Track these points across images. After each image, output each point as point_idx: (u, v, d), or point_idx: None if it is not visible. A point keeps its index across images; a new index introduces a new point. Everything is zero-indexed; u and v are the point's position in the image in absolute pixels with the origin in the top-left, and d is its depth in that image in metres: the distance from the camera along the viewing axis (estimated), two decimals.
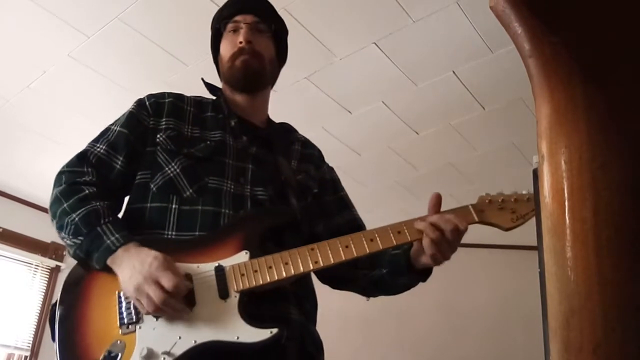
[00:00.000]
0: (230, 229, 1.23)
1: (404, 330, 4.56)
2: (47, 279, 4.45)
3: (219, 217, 1.24)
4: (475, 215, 1.27)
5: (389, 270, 1.32)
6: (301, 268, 1.17)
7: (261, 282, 1.15)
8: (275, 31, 1.46)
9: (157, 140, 1.32)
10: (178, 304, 1.10)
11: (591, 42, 0.61)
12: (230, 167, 1.31)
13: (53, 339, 1.14)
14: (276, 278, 1.16)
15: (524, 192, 1.31)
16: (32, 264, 4.38)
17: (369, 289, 1.41)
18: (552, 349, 0.59)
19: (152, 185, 1.28)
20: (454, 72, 2.87)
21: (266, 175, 1.34)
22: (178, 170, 1.28)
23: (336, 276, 1.40)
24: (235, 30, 1.43)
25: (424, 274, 1.29)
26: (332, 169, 1.55)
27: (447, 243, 1.20)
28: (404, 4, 2.44)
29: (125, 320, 1.12)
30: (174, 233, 1.23)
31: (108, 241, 1.16)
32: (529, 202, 1.29)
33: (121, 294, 1.15)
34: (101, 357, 1.09)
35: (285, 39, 1.53)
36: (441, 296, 4.43)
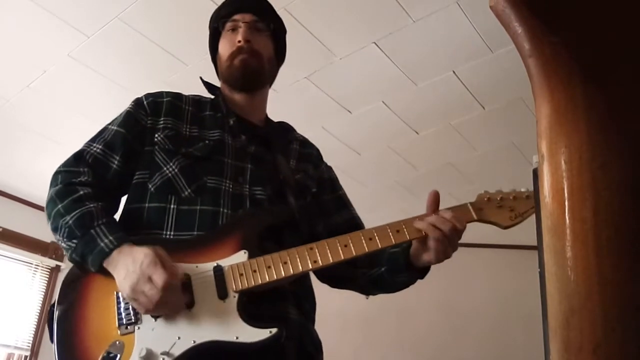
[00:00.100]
0: (228, 228, 1.23)
1: (403, 330, 4.56)
2: (47, 279, 4.45)
3: (218, 217, 1.24)
4: (474, 214, 1.27)
5: (387, 269, 1.32)
6: (300, 267, 1.17)
7: (260, 282, 1.15)
8: (273, 30, 1.46)
9: (155, 139, 1.32)
10: (174, 299, 1.09)
11: (591, 42, 0.61)
12: (229, 167, 1.31)
13: (52, 340, 1.13)
14: (275, 278, 1.16)
15: (522, 189, 1.31)
16: (32, 264, 4.39)
17: (368, 288, 1.41)
18: (552, 348, 0.59)
19: (150, 185, 1.28)
20: (454, 72, 2.87)
21: (265, 175, 1.34)
22: (176, 170, 1.28)
23: (335, 275, 1.40)
24: (234, 29, 1.42)
25: (423, 271, 1.30)
26: (330, 168, 1.55)
27: (448, 242, 1.20)
28: (404, 4, 2.44)
29: (124, 321, 1.12)
30: (172, 233, 1.22)
31: (102, 244, 1.15)
32: (527, 200, 1.29)
33: (119, 295, 1.14)
34: (100, 357, 1.08)
35: (283, 38, 1.53)
36: (441, 296, 4.43)
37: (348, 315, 4.46)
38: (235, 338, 1.09)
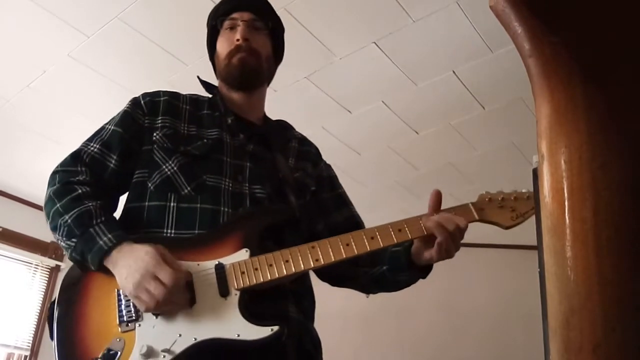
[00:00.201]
0: (229, 227, 1.23)
1: (404, 330, 4.56)
2: (47, 279, 4.45)
3: (218, 215, 1.24)
4: (476, 214, 1.28)
5: (389, 267, 1.32)
6: (302, 266, 1.17)
7: (262, 280, 1.15)
8: (272, 28, 1.46)
9: (154, 138, 1.31)
10: (179, 296, 1.10)
11: (591, 42, 0.61)
12: (228, 165, 1.31)
13: (52, 338, 1.14)
14: (277, 276, 1.16)
15: (523, 190, 1.32)
16: (32, 264, 4.39)
17: (369, 286, 1.41)
18: (552, 348, 0.59)
19: (149, 184, 1.28)
20: (454, 71, 2.87)
21: (264, 173, 1.34)
22: (175, 168, 1.27)
23: (336, 274, 1.40)
24: (232, 28, 1.42)
25: (424, 270, 1.30)
26: (329, 166, 1.55)
27: (452, 241, 1.20)
28: (404, 4, 2.44)
29: (125, 318, 1.12)
30: (173, 231, 1.22)
31: (101, 242, 1.15)
32: (528, 201, 1.29)
33: (120, 292, 1.14)
34: (100, 354, 1.08)
35: (282, 36, 1.53)
36: (441, 296, 4.43)
37: (348, 315, 4.46)
38: (236, 336, 1.09)
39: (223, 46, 1.43)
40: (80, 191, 1.23)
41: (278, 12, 1.53)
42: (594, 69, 0.61)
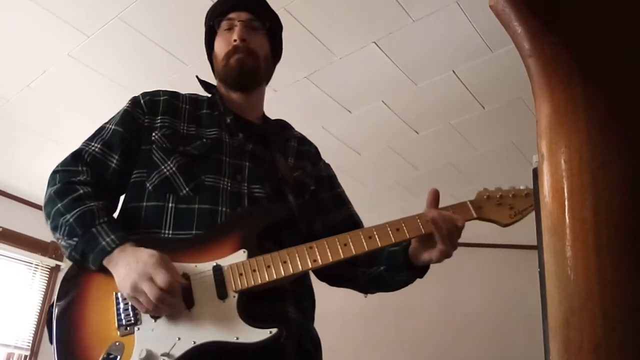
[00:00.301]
0: (227, 227, 1.22)
1: (404, 330, 4.56)
2: (47, 279, 4.45)
3: (216, 215, 1.24)
4: (474, 212, 1.27)
5: (387, 267, 1.32)
6: (300, 267, 1.17)
7: (260, 282, 1.15)
8: (269, 28, 1.46)
9: (153, 138, 1.31)
10: (174, 300, 1.09)
11: (591, 42, 0.61)
12: (227, 165, 1.31)
13: (51, 341, 1.13)
14: (275, 277, 1.15)
15: (522, 187, 1.31)
16: (32, 264, 4.39)
17: (367, 286, 1.41)
18: (552, 348, 0.59)
19: (148, 184, 1.27)
20: (453, 71, 2.87)
21: (263, 173, 1.34)
22: (174, 169, 1.27)
23: (334, 274, 1.40)
24: (230, 28, 1.42)
25: (422, 270, 1.29)
26: (328, 165, 1.55)
27: (448, 240, 1.20)
28: (403, 4, 2.44)
29: (124, 322, 1.11)
30: (170, 232, 1.22)
31: (104, 242, 1.15)
32: (527, 198, 1.29)
33: (119, 295, 1.14)
34: (100, 358, 1.08)
35: (279, 36, 1.53)
36: (441, 296, 4.43)
37: (348, 315, 4.46)
38: (235, 338, 1.09)
39: (221, 47, 1.42)
40: (81, 191, 1.23)
41: (278, 12, 1.53)
42: (594, 69, 0.61)
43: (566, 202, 0.59)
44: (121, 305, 1.13)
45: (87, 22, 2.61)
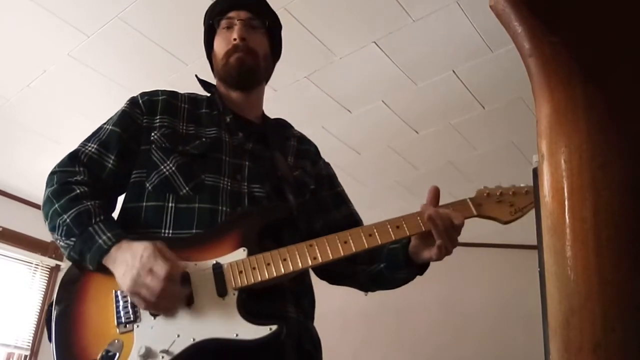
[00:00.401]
0: (227, 226, 1.22)
1: (404, 330, 4.56)
2: (47, 278, 4.45)
3: (216, 215, 1.24)
4: (474, 209, 1.27)
5: (387, 265, 1.31)
6: (300, 264, 1.17)
7: (259, 279, 1.15)
8: (269, 27, 1.46)
9: (152, 138, 1.31)
10: (175, 289, 1.09)
11: (591, 42, 0.61)
12: (227, 164, 1.31)
13: (50, 340, 1.13)
14: (275, 275, 1.15)
15: (522, 185, 1.31)
16: (32, 263, 4.39)
17: (367, 284, 1.41)
18: (552, 348, 0.59)
19: (147, 184, 1.27)
20: (453, 71, 2.87)
21: (263, 172, 1.34)
22: (174, 168, 1.27)
23: (334, 272, 1.40)
24: (229, 27, 1.42)
25: (422, 267, 1.29)
26: (328, 164, 1.55)
27: (447, 238, 1.19)
28: (403, 3, 2.44)
29: (123, 319, 1.11)
30: (171, 231, 1.22)
31: (100, 241, 1.15)
32: (527, 195, 1.28)
33: (118, 293, 1.14)
34: (99, 356, 1.08)
35: (279, 34, 1.53)
36: (441, 295, 4.44)
37: (348, 314, 4.46)
38: (235, 335, 1.09)
39: (220, 45, 1.42)
40: (78, 191, 1.23)
41: (278, 12, 1.53)
42: (594, 69, 0.61)
43: (566, 202, 0.59)
44: (120, 303, 1.13)
45: (87, 22, 2.61)
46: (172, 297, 1.10)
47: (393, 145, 3.56)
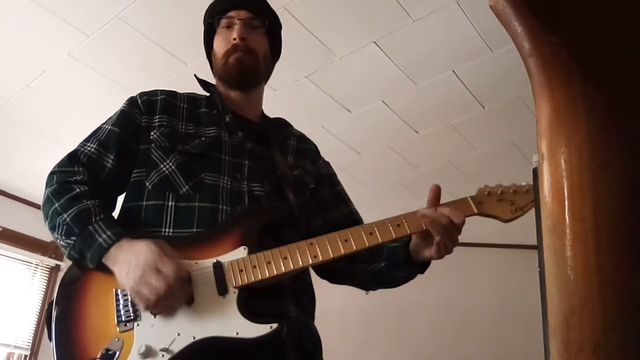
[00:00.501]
0: (227, 225, 1.22)
1: (404, 329, 4.56)
2: (47, 278, 4.45)
3: (216, 214, 1.24)
4: (474, 207, 1.26)
5: (387, 264, 1.31)
6: (300, 263, 1.17)
7: (260, 278, 1.15)
8: (269, 26, 1.46)
9: (151, 137, 1.31)
10: (181, 289, 1.09)
11: (591, 42, 0.61)
12: (226, 163, 1.31)
13: (50, 339, 1.13)
14: (275, 273, 1.15)
15: (522, 183, 1.31)
16: (32, 263, 4.39)
17: (368, 283, 1.41)
18: (552, 348, 0.59)
19: (147, 183, 1.27)
20: (453, 71, 2.87)
21: (262, 171, 1.34)
22: (173, 167, 1.27)
23: (335, 270, 1.40)
24: (229, 27, 1.42)
25: (423, 266, 1.29)
26: (328, 163, 1.55)
27: (447, 236, 1.19)
28: (403, 3, 2.44)
29: (123, 318, 1.11)
30: (171, 230, 1.22)
31: (100, 239, 1.15)
32: (527, 194, 1.28)
33: (118, 292, 1.14)
34: (99, 355, 1.08)
35: (279, 34, 1.53)
36: (441, 295, 4.44)
37: (348, 313, 4.46)
38: (235, 334, 1.09)
39: (220, 45, 1.42)
40: (78, 190, 1.23)
41: (278, 12, 1.53)
42: (594, 69, 0.61)
43: (566, 202, 0.59)
44: (121, 302, 1.13)
45: (87, 22, 2.61)
46: (176, 298, 1.10)
47: (393, 145, 3.56)
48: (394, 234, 1.21)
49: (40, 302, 4.36)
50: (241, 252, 1.17)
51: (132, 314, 1.12)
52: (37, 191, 4.21)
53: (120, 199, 1.34)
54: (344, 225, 1.28)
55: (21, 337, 4.17)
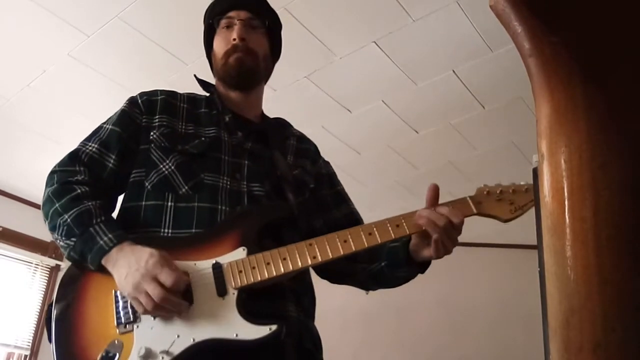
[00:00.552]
0: (227, 225, 1.22)
1: (404, 329, 4.57)
2: (47, 278, 4.45)
3: (216, 214, 1.24)
4: (474, 207, 1.26)
5: (387, 264, 1.31)
6: (300, 263, 1.17)
7: (259, 279, 1.14)
8: (269, 27, 1.46)
9: (151, 137, 1.31)
10: (177, 299, 1.09)
11: (591, 42, 0.61)
12: (226, 163, 1.31)
13: (50, 340, 1.13)
14: (274, 274, 1.15)
15: (522, 183, 1.31)
16: (32, 263, 4.39)
17: (368, 283, 1.41)
18: (552, 348, 0.59)
19: (146, 184, 1.27)
20: (453, 71, 2.87)
21: (262, 171, 1.34)
22: (173, 168, 1.27)
23: (335, 271, 1.40)
24: (229, 27, 1.42)
25: (423, 265, 1.29)
26: (328, 163, 1.55)
27: (446, 236, 1.19)
28: (404, 3, 2.44)
29: (123, 320, 1.11)
30: (170, 231, 1.22)
31: (101, 241, 1.15)
32: (527, 193, 1.28)
33: (118, 293, 1.14)
34: (99, 357, 1.08)
35: (279, 34, 1.52)
36: (441, 295, 4.44)
37: (348, 313, 4.46)
38: (235, 335, 1.09)
39: (220, 45, 1.42)
40: (79, 191, 1.23)
41: (278, 12, 1.53)
42: (594, 69, 0.61)
43: (566, 202, 0.59)
44: (120, 304, 1.13)
45: (87, 22, 2.61)
46: (172, 307, 1.09)
47: (393, 145, 3.56)
48: (393, 235, 1.21)
49: (40, 302, 4.36)
50: (240, 253, 1.17)
51: (131, 316, 1.12)
52: (37, 191, 4.20)
53: (120, 199, 1.34)
54: (344, 225, 1.27)
55: (21, 337, 4.17)
